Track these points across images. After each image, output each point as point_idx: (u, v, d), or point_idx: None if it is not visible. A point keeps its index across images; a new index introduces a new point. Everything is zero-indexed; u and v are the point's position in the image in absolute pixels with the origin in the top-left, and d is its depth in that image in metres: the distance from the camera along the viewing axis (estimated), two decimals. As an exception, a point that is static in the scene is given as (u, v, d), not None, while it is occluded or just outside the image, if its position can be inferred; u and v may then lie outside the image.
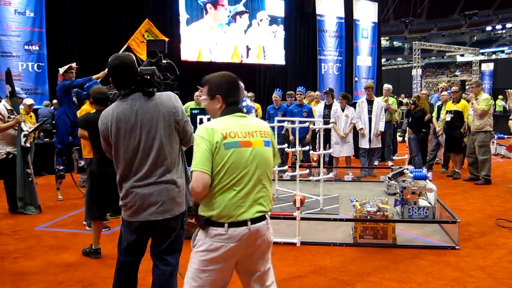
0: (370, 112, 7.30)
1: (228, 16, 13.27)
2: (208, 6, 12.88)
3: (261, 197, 1.97)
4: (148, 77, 2.21)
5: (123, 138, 2.25)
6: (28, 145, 5.30)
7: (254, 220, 1.92)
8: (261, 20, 13.91)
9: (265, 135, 2.01)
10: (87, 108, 4.54)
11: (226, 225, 1.88)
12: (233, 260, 1.96)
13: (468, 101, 7.04)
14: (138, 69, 2.28)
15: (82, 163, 5.75)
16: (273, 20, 14.25)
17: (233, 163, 1.89)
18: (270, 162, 2.03)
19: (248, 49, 13.68)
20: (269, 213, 2.04)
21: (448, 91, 7.91)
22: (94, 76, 5.93)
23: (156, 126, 2.23)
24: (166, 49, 2.60)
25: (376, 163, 7.91)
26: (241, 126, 1.97)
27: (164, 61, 2.52)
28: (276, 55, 14.39)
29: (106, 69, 5.88)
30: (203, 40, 12.83)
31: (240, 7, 13.44)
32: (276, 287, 2.11)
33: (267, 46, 14.12)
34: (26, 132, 5.29)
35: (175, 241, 2.40)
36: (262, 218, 1.96)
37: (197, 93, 7.97)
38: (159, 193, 2.25)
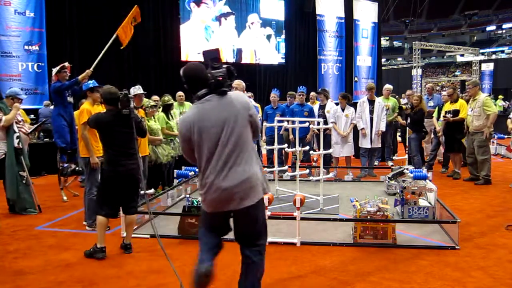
0: (371, 112, 7.34)
1: (213, 18, 13.18)
2: (192, 5, 12.81)
3: None
4: (220, 78, 2.44)
5: (205, 136, 2.40)
6: (21, 146, 5.26)
7: None
8: (252, 23, 13.91)
9: None
10: (87, 107, 4.51)
11: None
12: None
13: (467, 101, 7.04)
14: (208, 73, 2.47)
15: (73, 166, 5.71)
16: (267, 23, 14.29)
17: None
18: None
19: (239, 52, 13.70)
20: None
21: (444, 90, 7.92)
22: (79, 78, 5.82)
23: (235, 121, 2.42)
24: (220, 56, 2.72)
25: (376, 163, 7.92)
26: None
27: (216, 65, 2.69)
28: (270, 57, 14.38)
29: (91, 68, 5.85)
30: (195, 40, 12.82)
31: (225, 8, 13.36)
32: None
33: (259, 49, 14.13)
34: (18, 134, 5.26)
35: (260, 225, 2.58)
36: None
37: (179, 93, 7.81)
38: (242, 182, 2.40)
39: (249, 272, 2.54)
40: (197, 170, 6.18)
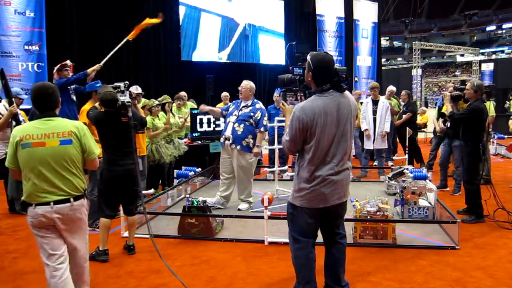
0: (374, 112, 7.14)
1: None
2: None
3: (63, 184, 2.46)
4: (344, 76, 2.52)
5: (327, 130, 2.48)
6: None
7: (56, 202, 2.44)
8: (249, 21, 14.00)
9: (63, 135, 2.47)
10: (88, 108, 4.46)
11: (33, 205, 2.45)
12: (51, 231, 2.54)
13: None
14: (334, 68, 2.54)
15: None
16: (267, 22, 14.35)
17: (25, 159, 2.43)
18: (66, 157, 2.47)
19: (241, 51, 13.77)
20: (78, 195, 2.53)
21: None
22: (88, 70, 5.65)
23: (350, 120, 2.56)
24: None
25: (375, 163, 7.87)
26: (39, 129, 2.45)
27: None
28: (270, 57, 14.43)
29: (102, 63, 5.75)
30: (202, 40, 12.83)
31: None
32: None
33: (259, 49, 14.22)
34: None
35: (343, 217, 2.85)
36: (65, 201, 2.47)
37: (182, 93, 7.83)
38: (346, 178, 2.60)
39: (341, 254, 2.87)
40: (198, 170, 6.24)
